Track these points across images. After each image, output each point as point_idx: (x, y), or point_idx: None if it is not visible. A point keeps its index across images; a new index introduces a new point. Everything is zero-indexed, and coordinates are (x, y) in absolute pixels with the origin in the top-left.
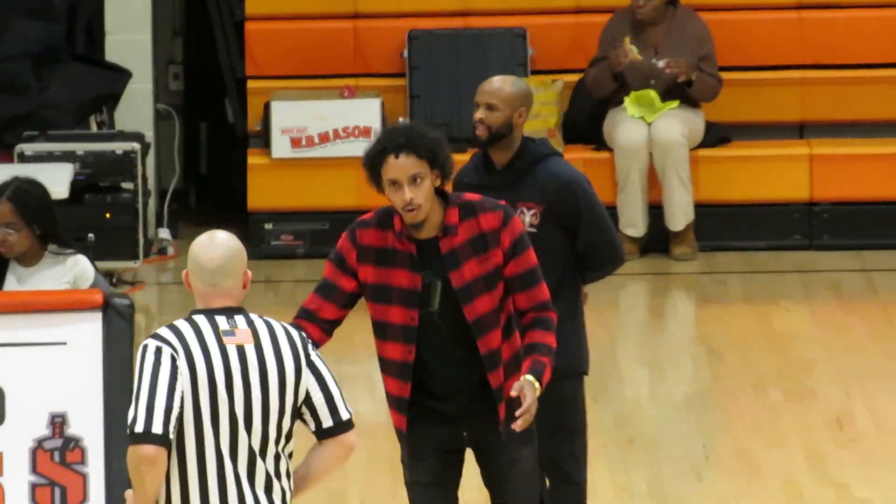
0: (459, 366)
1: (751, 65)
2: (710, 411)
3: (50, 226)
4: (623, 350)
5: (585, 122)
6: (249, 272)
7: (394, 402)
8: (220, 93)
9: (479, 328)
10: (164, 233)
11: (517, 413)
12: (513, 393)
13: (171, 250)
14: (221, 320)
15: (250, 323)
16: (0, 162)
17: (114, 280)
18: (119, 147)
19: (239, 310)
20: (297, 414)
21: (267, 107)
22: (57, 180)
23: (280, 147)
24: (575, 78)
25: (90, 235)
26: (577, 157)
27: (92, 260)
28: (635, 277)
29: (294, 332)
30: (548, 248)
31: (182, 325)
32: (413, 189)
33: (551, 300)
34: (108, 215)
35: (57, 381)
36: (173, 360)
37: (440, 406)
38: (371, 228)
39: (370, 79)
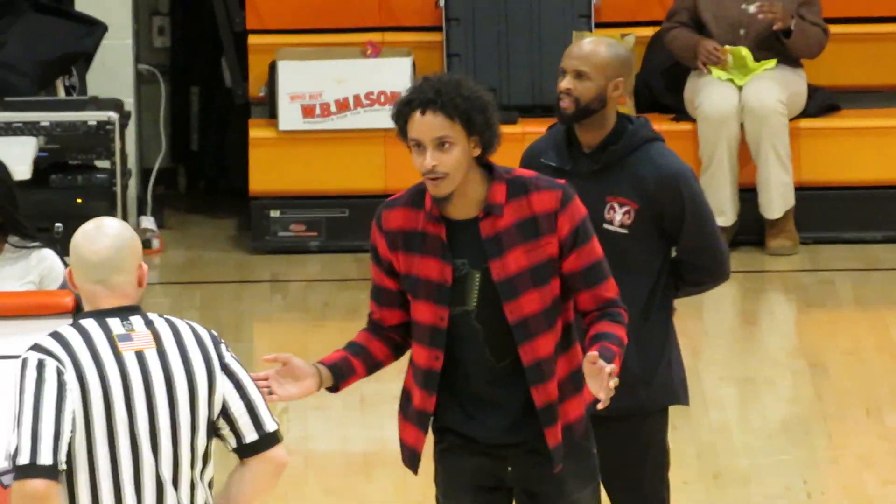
0: (503, 381)
1: (866, 16)
2: (812, 439)
3: (10, 213)
4: (708, 365)
5: (662, 85)
6: (145, 266)
7: (414, 415)
8: (215, 51)
9: (522, 332)
10: (148, 222)
11: (597, 388)
12: (585, 364)
13: (156, 243)
14: (115, 323)
15: (149, 324)
16: None
17: None
18: (92, 117)
19: (134, 309)
20: (213, 430)
21: (272, 68)
22: (16, 158)
23: (289, 117)
24: (649, 32)
25: (58, 225)
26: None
27: (61, 255)
28: None
29: (203, 332)
30: (639, 255)
31: (68, 331)
32: (438, 154)
33: (640, 316)
34: (79, 200)
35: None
36: (59, 374)
37: (478, 431)
38: (398, 209)
39: (399, 33)
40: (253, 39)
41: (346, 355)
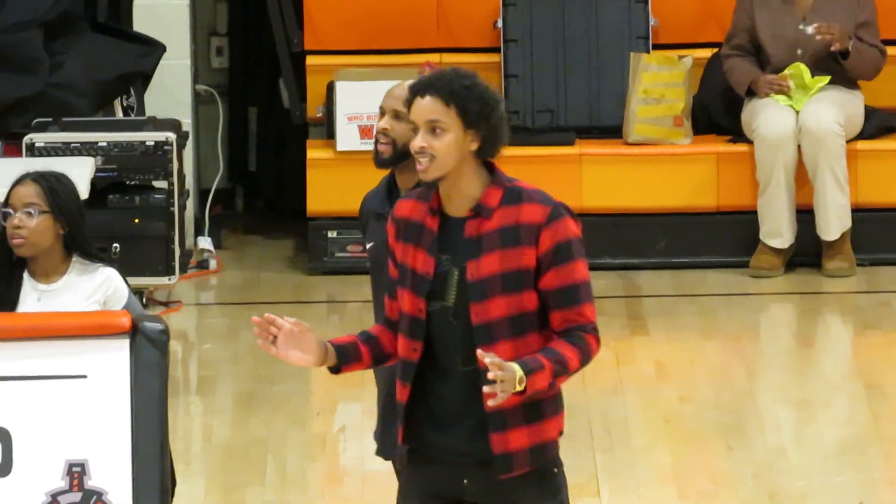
0: (467, 387)
1: None
2: (869, 461)
3: (79, 227)
4: (764, 386)
5: (720, 108)
6: None
7: (399, 408)
8: (273, 71)
9: (484, 335)
10: (205, 242)
11: (485, 389)
12: (485, 360)
13: (213, 264)
14: None
15: None
16: (4, 155)
17: (144, 300)
18: (150, 137)
19: None
20: None
21: (330, 88)
22: (74, 178)
23: (346, 137)
24: (707, 54)
25: (115, 246)
26: (709, 150)
27: (124, 277)
28: (780, 298)
29: None
30: None
31: None
32: (429, 137)
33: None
34: (136, 221)
35: (75, 422)
36: None
37: (438, 438)
38: (411, 199)
39: (456, 54)
40: (311, 60)
41: (355, 341)
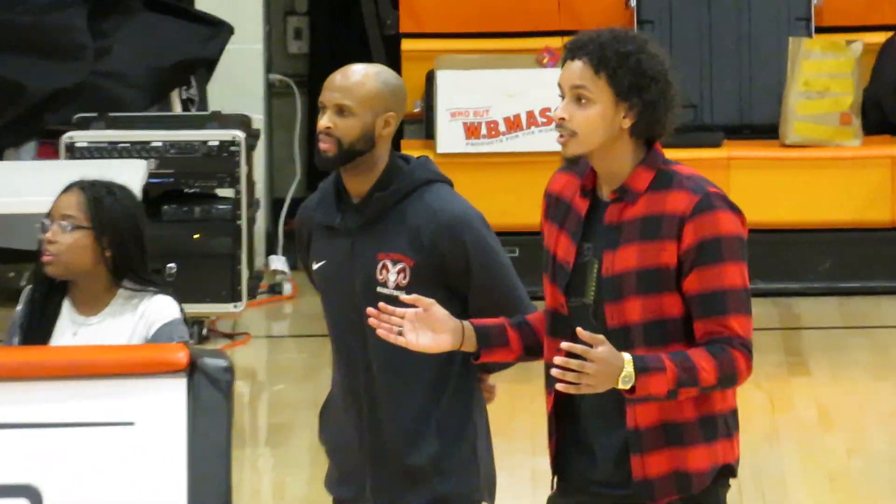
0: (607, 403)
1: None
2: None
3: (128, 250)
4: None
5: (895, 102)
6: None
7: (549, 423)
8: (362, 58)
9: (619, 340)
10: (279, 262)
11: (553, 372)
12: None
13: (288, 288)
14: None
15: None
16: (38, 157)
17: (204, 331)
18: (214, 136)
19: None
20: None
21: (430, 78)
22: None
23: (449, 137)
24: (880, 38)
25: (171, 266)
26: (882, 153)
27: (180, 304)
28: None
29: None
30: None
31: None
32: (572, 108)
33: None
34: (196, 236)
35: (120, 478)
36: None
37: (581, 463)
38: (566, 173)
39: None
40: (407, 45)
41: (503, 324)
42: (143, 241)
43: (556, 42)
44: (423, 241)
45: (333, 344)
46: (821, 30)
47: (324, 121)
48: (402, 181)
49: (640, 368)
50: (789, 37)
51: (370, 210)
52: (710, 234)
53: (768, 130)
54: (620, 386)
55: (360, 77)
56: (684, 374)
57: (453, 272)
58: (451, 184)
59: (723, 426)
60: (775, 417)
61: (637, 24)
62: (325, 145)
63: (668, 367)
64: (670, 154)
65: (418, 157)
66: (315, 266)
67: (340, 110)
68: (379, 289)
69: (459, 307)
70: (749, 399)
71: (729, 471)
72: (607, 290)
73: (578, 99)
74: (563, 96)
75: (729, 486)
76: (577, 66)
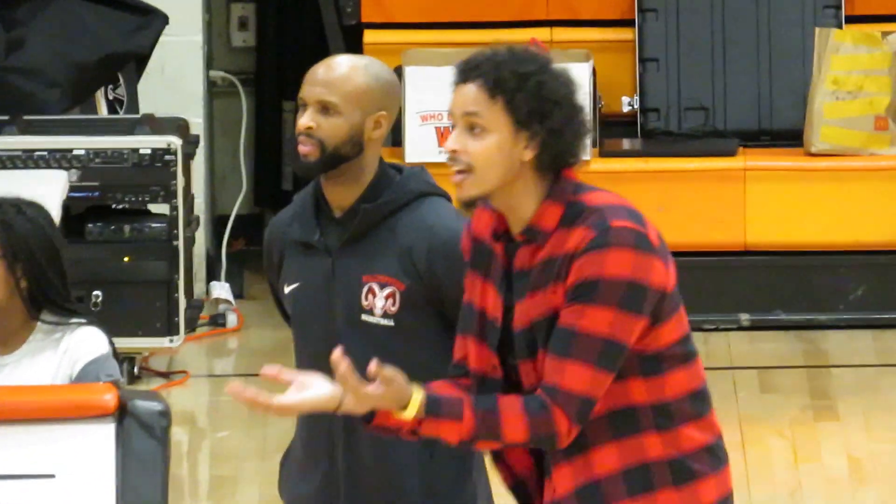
0: (536, 463)
1: None
2: None
3: (48, 279)
4: None
5: None
6: None
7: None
8: (317, 52)
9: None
10: (222, 290)
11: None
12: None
13: (232, 320)
14: None
15: None
16: None
17: (136, 369)
18: (145, 143)
19: None
20: None
21: (397, 76)
22: (40, 200)
23: (419, 144)
24: None
25: (96, 294)
26: None
27: (109, 336)
28: None
29: None
30: (412, 356)
31: None
32: (464, 137)
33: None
34: (126, 259)
35: None
36: None
37: None
38: (487, 209)
39: (574, 29)
40: (370, 37)
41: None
42: (61, 265)
43: (545, 34)
44: (417, 263)
45: None
46: (852, 19)
47: (304, 119)
48: (394, 193)
49: (433, 412)
50: (815, 28)
51: (355, 225)
52: (591, 273)
53: (791, 137)
54: (398, 413)
55: (346, 70)
56: (484, 428)
57: (450, 299)
58: (448, 198)
59: (699, 466)
60: (800, 469)
61: (638, 13)
62: (305, 148)
63: (465, 418)
64: (679, 164)
65: (412, 167)
66: (287, 289)
67: (324, 108)
68: (364, 317)
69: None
70: (770, 448)
71: None
72: (519, 346)
73: (472, 128)
74: (453, 126)
75: None
76: (469, 89)
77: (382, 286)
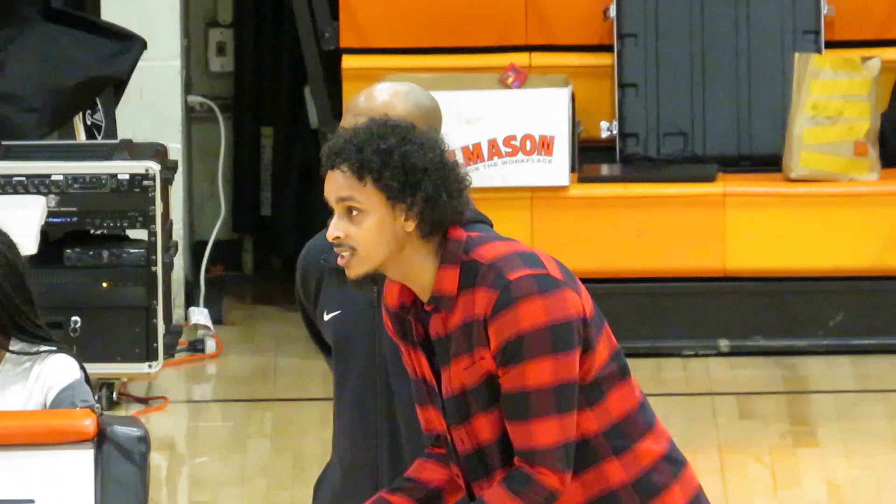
0: None
1: None
2: None
3: (14, 306)
4: None
5: None
6: None
7: None
8: (295, 77)
9: (474, 464)
10: (200, 315)
11: None
12: None
13: (211, 345)
14: None
15: None
16: None
17: (114, 395)
18: (124, 169)
19: None
20: None
21: None
22: (17, 226)
23: None
24: None
25: (74, 320)
26: None
27: (80, 361)
28: None
29: None
30: None
31: None
32: (344, 223)
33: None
34: (105, 285)
35: None
36: None
37: None
38: (395, 282)
39: (552, 54)
40: (348, 62)
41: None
42: (28, 291)
43: (524, 59)
44: None
45: (346, 408)
46: (832, 44)
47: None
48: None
49: None
50: (795, 53)
51: None
52: (511, 334)
53: (771, 162)
54: None
55: (388, 97)
56: None
57: None
58: (491, 224)
59: (661, 478)
60: (779, 495)
61: (617, 39)
62: None
63: None
64: (657, 190)
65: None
66: (328, 317)
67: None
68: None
69: None
70: (749, 474)
71: None
72: (451, 412)
73: (349, 211)
74: (331, 211)
75: None
76: (338, 176)
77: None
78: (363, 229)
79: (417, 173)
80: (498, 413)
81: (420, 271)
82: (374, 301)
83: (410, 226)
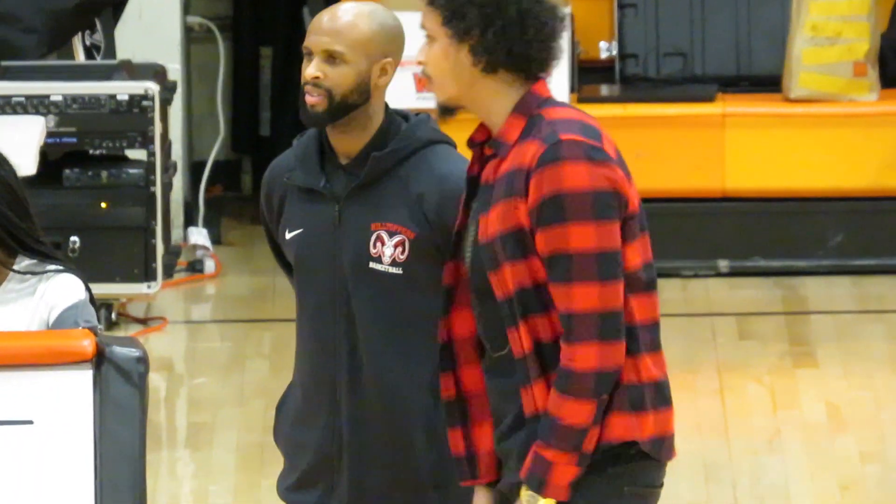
0: (499, 379)
1: None
2: None
3: (10, 222)
4: None
5: None
6: None
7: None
8: None
9: (507, 312)
10: (199, 235)
11: None
12: None
13: (210, 265)
14: None
15: None
16: None
17: (113, 315)
18: (123, 89)
19: None
20: None
21: None
22: (17, 147)
23: (398, 90)
24: None
25: (73, 239)
26: None
27: (86, 282)
28: None
29: None
30: (421, 305)
31: None
32: (424, 49)
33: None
34: (103, 205)
35: (16, 485)
36: None
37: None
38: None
39: None
40: None
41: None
42: (24, 205)
43: None
44: (427, 211)
45: (305, 328)
46: None
47: (311, 69)
48: (402, 140)
49: (536, 484)
50: None
51: (366, 173)
52: (550, 190)
53: (770, 82)
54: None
55: (351, 17)
56: (563, 442)
57: None
58: (454, 145)
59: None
60: (778, 416)
61: None
62: (313, 98)
63: (550, 457)
64: (657, 110)
65: (417, 114)
66: (289, 235)
67: (330, 57)
68: (372, 264)
69: None
70: (747, 395)
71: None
72: (485, 258)
73: (429, 39)
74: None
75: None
76: (424, 4)
77: (392, 234)
78: (432, 54)
79: (482, 7)
80: (518, 264)
81: (493, 113)
82: (335, 220)
83: (469, 58)
